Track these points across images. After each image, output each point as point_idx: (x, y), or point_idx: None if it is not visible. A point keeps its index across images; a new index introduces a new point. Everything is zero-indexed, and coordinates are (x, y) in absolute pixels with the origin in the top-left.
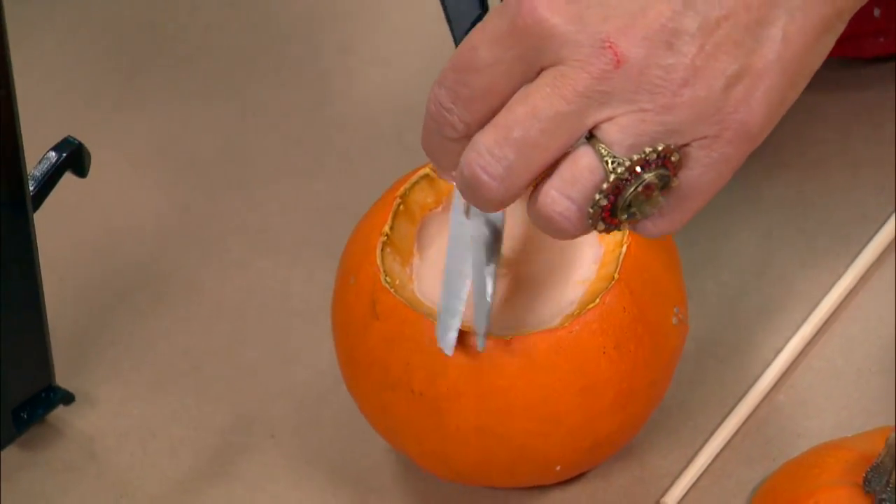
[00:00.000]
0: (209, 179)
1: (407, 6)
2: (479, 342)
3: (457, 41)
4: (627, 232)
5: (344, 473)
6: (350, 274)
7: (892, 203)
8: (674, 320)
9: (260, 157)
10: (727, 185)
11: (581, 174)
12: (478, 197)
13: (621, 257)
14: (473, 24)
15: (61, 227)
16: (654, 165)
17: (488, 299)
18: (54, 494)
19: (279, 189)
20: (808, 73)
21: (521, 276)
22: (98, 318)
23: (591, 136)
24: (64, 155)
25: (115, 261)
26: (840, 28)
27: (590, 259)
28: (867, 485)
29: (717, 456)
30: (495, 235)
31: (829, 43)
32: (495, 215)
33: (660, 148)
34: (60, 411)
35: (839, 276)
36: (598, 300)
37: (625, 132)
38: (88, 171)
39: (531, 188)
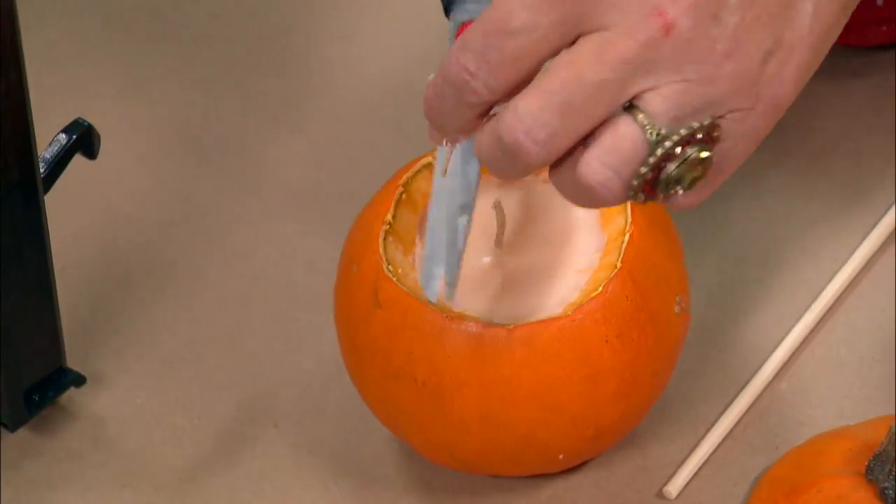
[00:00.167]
0: (211, 168)
1: None
2: (447, 291)
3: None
4: (630, 221)
5: (347, 462)
6: (353, 263)
7: (895, 192)
8: (676, 309)
9: (262, 146)
10: None
11: (624, 145)
12: (515, 162)
13: (624, 246)
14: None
15: (63, 216)
16: (699, 140)
17: (459, 249)
18: (58, 484)
19: (281, 178)
20: (827, 49)
21: (523, 265)
22: (100, 307)
23: (629, 106)
24: (74, 137)
25: (116, 250)
26: (853, 5)
27: (592, 248)
28: (869, 473)
29: (720, 445)
30: (470, 191)
31: (846, 20)
32: (472, 173)
33: (706, 122)
34: (71, 393)
35: (841, 265)
36: (600, 289)
37: (667, 103)
38: (98, 153)
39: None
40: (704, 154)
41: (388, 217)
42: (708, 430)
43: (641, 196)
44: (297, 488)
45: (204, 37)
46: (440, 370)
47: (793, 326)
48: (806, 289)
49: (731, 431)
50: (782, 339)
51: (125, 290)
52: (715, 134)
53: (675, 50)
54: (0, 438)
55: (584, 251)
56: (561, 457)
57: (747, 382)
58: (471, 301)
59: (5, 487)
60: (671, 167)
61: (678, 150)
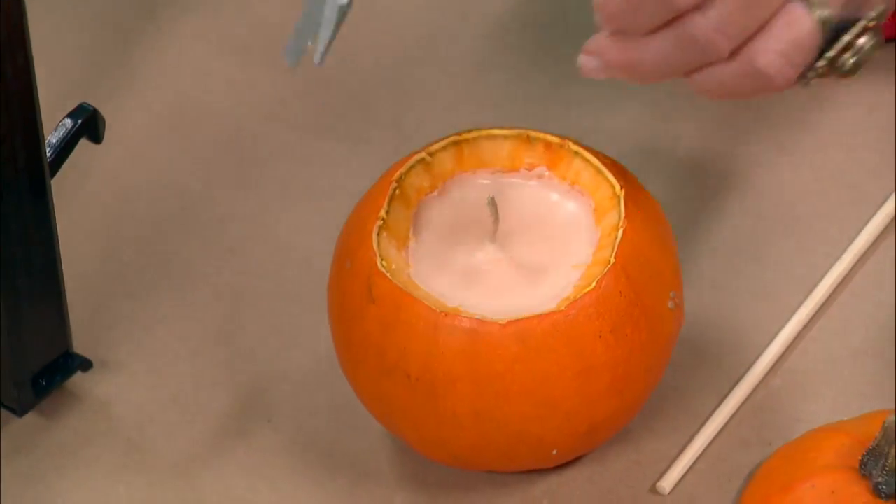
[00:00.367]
0: (205, 164)
1: None
2: (316, 56)
3: None
4: (624, 217)
5: (340, 458)
6: (346, 258)
7: (888, 187)
8: (670, 304)
9: (256, 142)
10: (722, 170)
11: (800, 35)
12: (705, 57)
13: (618, 241)
14: None
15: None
16: (869, 29)
17: (334, 22)
18: (52, 480)
19: (276, 174)
20: None
21: (517, 260)
22: (94, 302)
23: None
24: (80, 121)
25: (110, 246)
26: None
27: (586, 243)
28: (863, 468)
29: (714, 440)
30: None
31: None
32: None
33: (878, 11)
34: (68, 383)
35: (835, 260)
36: (594, 284)
37: None
38: (103, 137)
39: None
40: (873, 42)
41: (382, 213)
42: (702, 426)
43: (810, 82)
44: (291, 483)
45: (200, 33)
46: (434, 366)
47: (787, 322)
48: (800, 284)
49: (724, 427)
50: (776, 334)
51: (119, 285)
52: (877, 23)
53: None
54: (1, 423)
55: (578, 246)
56: (555, 452)
57: (741, 378)
58: (464, 296)
59: (4, 476)
60: (846, 57)
61: (857, 40)
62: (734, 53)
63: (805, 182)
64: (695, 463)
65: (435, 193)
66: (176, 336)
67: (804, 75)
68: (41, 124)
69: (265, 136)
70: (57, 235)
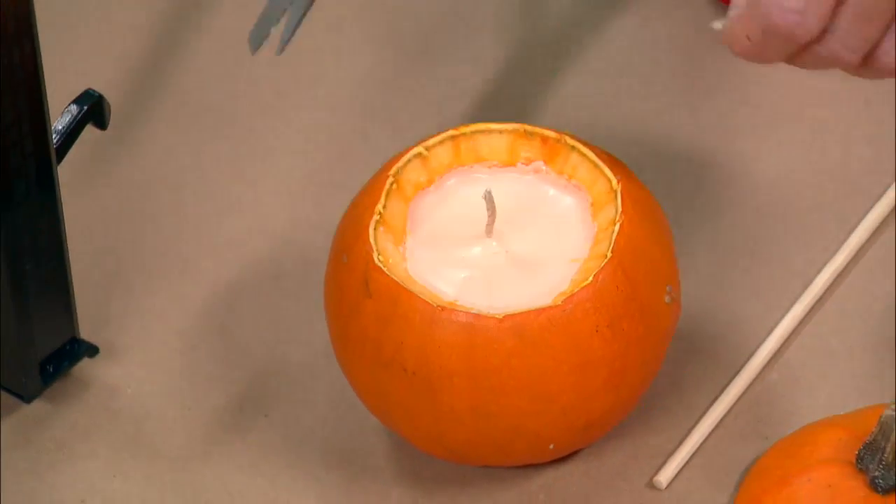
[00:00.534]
0: (201, 159)
1: None
2: (278, 47)
3: None
4: (621, 211)
5: (337, 452)
6: (343, 253)
7: (886, 181)
8: (666, 298)
9: (253, 136)
10: (719, 164)
11: None
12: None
13: (614, 235)
14: None
15: None
16: None
17: (299, 12)
18: (48, 475)
19: (272, 168)
20: None
21: (514, 255)
22: (90, 297)
23: None
24: (85, 107)
25: (106, 240)
26: None
27: (583, 237)
28: (860, 462)
29: (710, 434)
30: None
31: None
32: None
33: None
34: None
35: (832, 254)
36: (591, 278)
37: None
38: (109, 122)
39: None
40: None
41: (379, 207)
42: (698, 420)
43: None
44: (288, 478)
45: (196, 29)
46: (430, 360)
47: (783, 316)
48: (797, 278)
49: (721, 421)
50: (773, 328)
51: (115, 279)
52: None
53: None
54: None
55: (575, 241)
56: (551, 447)
57: (738, 372)
58: (461, 290)
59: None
60: None
61: None
62: (864, 59)
63: (802, 176)
64: (692, 457)
65: (431, 188)
66: (172, 330)
67: None
68: (48, 111)
69: (261, 130)
70: (63, 221)
